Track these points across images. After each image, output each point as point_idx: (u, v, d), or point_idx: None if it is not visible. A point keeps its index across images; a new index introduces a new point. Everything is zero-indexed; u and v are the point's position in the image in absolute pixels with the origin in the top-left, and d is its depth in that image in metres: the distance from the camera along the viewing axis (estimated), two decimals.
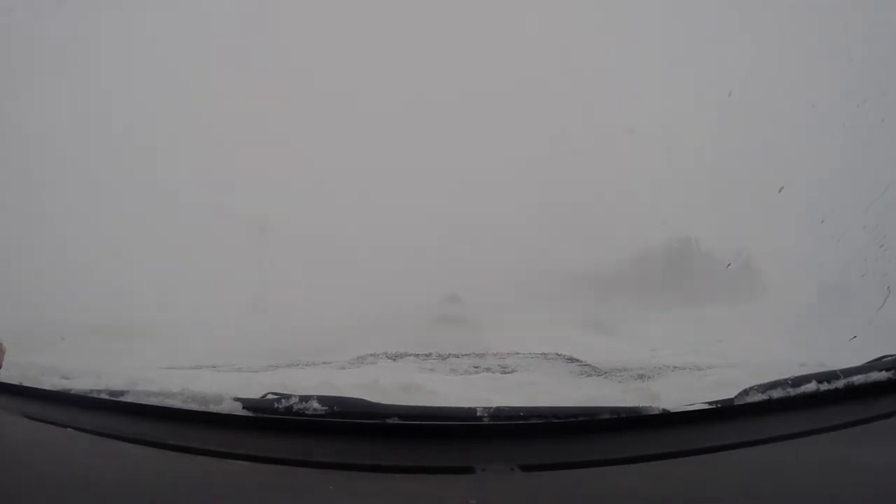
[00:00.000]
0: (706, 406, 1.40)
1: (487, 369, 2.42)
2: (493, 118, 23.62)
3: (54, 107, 15.70)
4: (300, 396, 1.37)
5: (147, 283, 12.79)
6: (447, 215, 19.86)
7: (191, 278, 13.76)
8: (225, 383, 1.80)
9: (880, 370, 1.52)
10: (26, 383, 1.65)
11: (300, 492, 1.12)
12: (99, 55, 18.93)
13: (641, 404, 1.39)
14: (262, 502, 1.09)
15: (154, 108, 18.16)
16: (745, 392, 1.45)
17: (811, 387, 1.47)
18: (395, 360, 2.82)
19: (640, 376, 2.28)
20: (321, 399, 1.36)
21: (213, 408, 1.40)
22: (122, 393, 1.52)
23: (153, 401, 1.48)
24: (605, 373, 2.41)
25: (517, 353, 2.96)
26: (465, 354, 2.87)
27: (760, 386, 1.46)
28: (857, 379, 1.49)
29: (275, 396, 1.41)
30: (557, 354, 2.88)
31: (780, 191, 7.86)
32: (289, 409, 1.36)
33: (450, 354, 2.83)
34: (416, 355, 2.89)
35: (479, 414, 1.33)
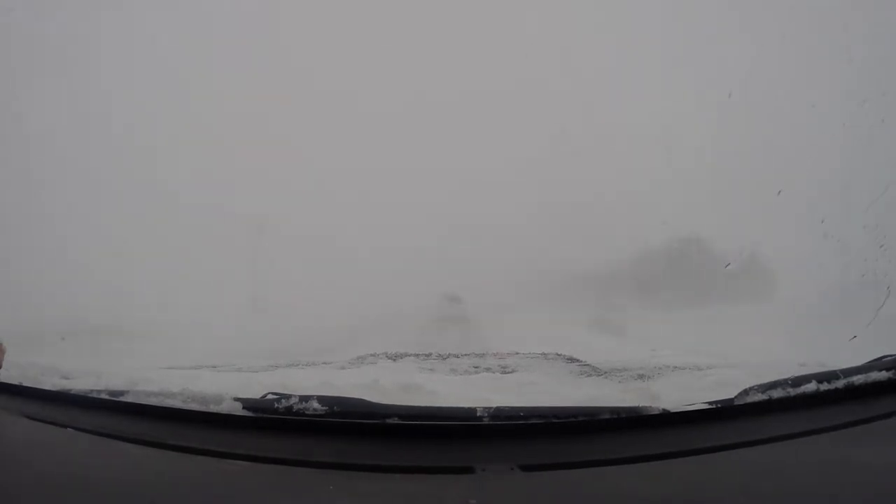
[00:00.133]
0: (706, 406, 1.40)
1: (487, 369, 2.42)
2: (493, 118, 23.65)
3: (54, 107, 15.68)
4: (300, 396, 1.37)
5: (147, 283, 12.78)
6: (447, 215, 19.88)
7: (191, 278, 13.75)
8: (225, 383, 1.80)
9: (880, 370, 1.52)
10: (26, 383, 1.65)
11: (300, 492, 1.12)
12: (99, 55, 18.91)
13: (641, 404, 1.39)
14: (262, 502, 1.09)
15: (154, 107, 18.16)
16: (745, 392, 1.45)
17: (811, 387, 1.47)
18: (395, 360, 2.82)
19: (640, 376, 2.28)
20: (321, 399, 1.36)
21: (213, 408, 1.40)
22: (122, 393, 1.52)
23: (153, 401, 1.48)
24: (605, 373, 2.42)
25: (517, 353, 2.96)
26: (465, 354, 2.87)
27: (760, 386, 1.46)
28: (857, 379, 1.49)
29: (275, 396, 1.41)
30: (557, 354, 2.88)
31: (778, 194, 7.88)
32: (289, 409, 1.36)
33: (450, 354, 2.84)
34: (416, 355, 2.89)
35: (479, 414, 1.33)
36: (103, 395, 1.53)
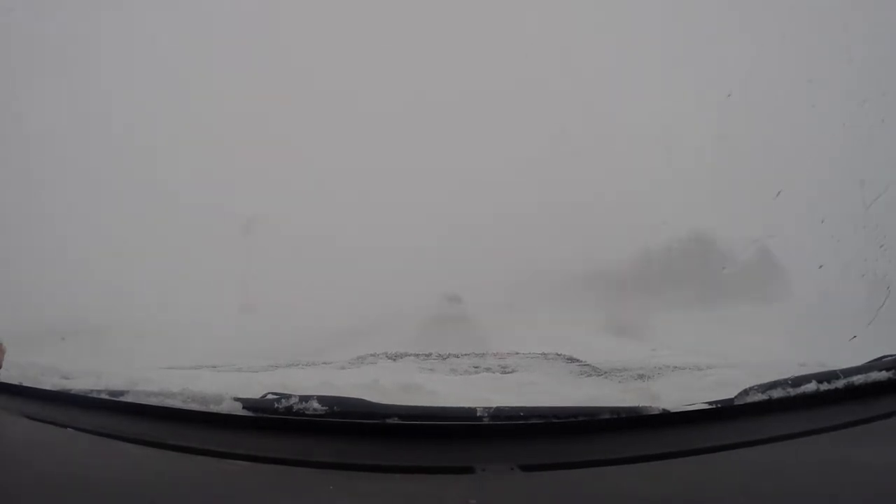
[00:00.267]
0: (706, 406, 1.39)
1: (487, 369, 2.42)
2: (494, 118, 23.69)
3: (54, 107, 15.68)
4: (300, 396, 1.37)
5: (147, 283, 12.78)
6: (447, 215, 19.91)
7: (191, 278, 13.76)
8: (225, 383, 1.79)
9: (880, 370, 1.52)
10: (26, 383, 1.64)
11: (300, 492, 1.12)
12: (99, 55, 18.92)
13: (641, 404, 1.39)
14: (262, 502, 1.09)
15: (154, 107, 18.18)
16: (745, 392, 1.44)
17: (811, 387, 1.47)
18: (395, 360, 2.82)
19: (640, 376, 2.28)
20: (321, 399, 1.36)
21: (213, 408, 1.40)
22: (122, 393, 1.52)
23: (153, 401, 1.47)
24: (605, 373, 2.41)
25: (517, 353, 2.96)
26: (465, 354, 2.87)
27: (760, 386, 1.46)
28: (857, 379, 1.49)
29: (275, 396, 1.40)
30: (557, 354, 2.88)
31: (778, 194, 7.88)
32: (289, 409, 1.35)
33: (450, 354, 2.83)
34: (416, 355, 2.88)
35: (479, 414, 1.32)
36: (103, 395, 1.52)
